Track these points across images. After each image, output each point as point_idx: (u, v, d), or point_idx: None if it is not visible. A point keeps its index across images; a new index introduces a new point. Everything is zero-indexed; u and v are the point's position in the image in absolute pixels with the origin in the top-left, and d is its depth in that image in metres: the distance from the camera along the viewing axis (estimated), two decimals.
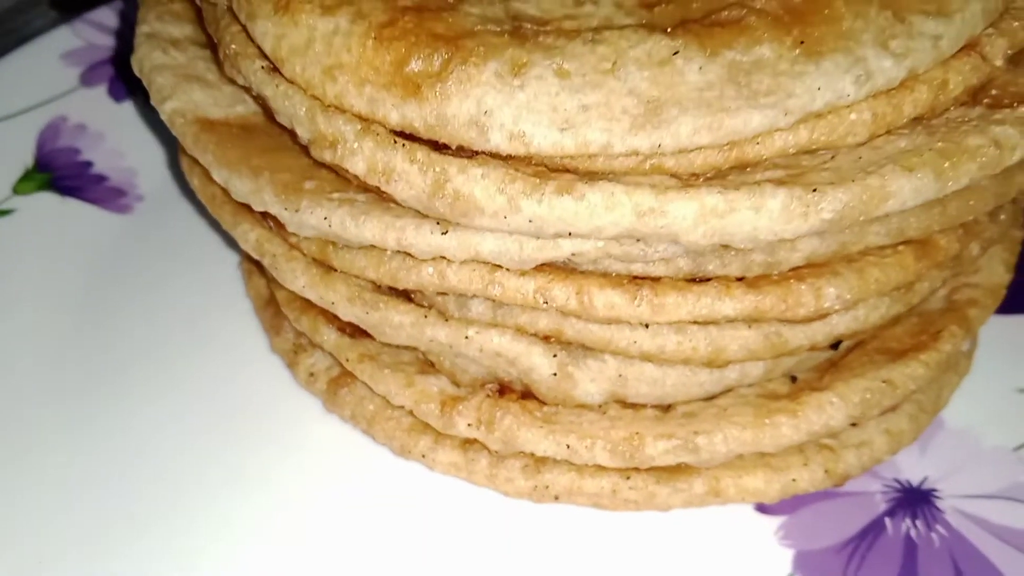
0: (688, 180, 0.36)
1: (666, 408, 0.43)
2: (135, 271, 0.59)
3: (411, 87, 0.35)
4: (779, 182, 0.34)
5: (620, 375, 0.42)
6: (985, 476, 0.48)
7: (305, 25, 0.37)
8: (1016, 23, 0.40)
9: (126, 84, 0.71)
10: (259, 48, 0.39)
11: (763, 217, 0.33)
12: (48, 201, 0.62)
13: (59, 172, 0.64)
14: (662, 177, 0.36)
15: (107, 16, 0.75)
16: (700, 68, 0.35)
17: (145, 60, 0.47)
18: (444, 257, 0.38)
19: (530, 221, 0.34)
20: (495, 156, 0.35)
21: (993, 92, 0.39)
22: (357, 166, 0.36)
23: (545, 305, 0.38)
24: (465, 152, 0.35)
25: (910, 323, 0.46)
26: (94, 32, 0.74)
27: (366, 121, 0.36)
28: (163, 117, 0.45)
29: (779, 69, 0.35)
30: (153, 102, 0.46)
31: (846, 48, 0.36)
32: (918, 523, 0.46)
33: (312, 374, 0.49)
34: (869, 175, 0.34)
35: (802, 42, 0.36)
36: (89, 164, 0.66)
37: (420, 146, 0.35)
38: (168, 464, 0.49)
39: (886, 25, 0.37)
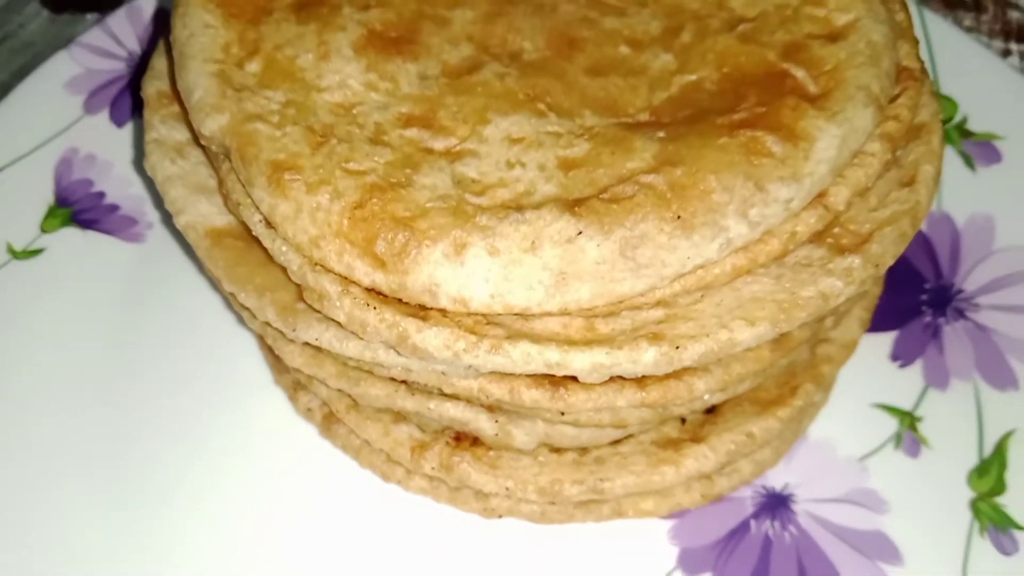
0: (590, 319, 0.47)
1: (583, 451, 0.56)
2: (150, 303, 0.69)
3: (378, 262, 0.45)
4: (652, 336, 0.46)
5: (547, 432, 0.55)
6: (834, 482, 0.62)
7: (293, 200, 0.47)
8: (860, 171, 0.50)
9: (125, 108, 0.79)
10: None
11: (639, 366, 0.45)
12: (72, 236, 0.72)
13: (78, 205, 0.74)
14: (570, 319, 0.47)
15: (99, 37, 0.81)
16: (598, 245, 0.45)
17: (158, 169, 0.56)
18: None
19: (470, 366, 0.46)
20: (444, 312, 0.46)
21: (836, 230, 0.50)
22: (339, 317, 0.47)
23: (486, 398, 0.51)
24: (422, 308, 0.47)
25: (778, 374, 0.59)
26: (90, 56, 0.80)
27: (345, 281, 0.47)
28: (177, 226, 0.55)
29: (659, 242, 0.46)
30: (168, 209, 0.56)
31: (713, 221, 0.46)
32: (775, 524, 0.60)
33: (309, 409, 0.62)
34: (721, 328, 0.46)
35: (679, 216, 0.46)
36: (102, 195, 0.75)
37: (387, 307, 0.46)
38: (173, 478, 0.61)
39: (748, 195, 0.47)
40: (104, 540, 0.59)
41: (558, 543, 0.59)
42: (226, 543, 0.59)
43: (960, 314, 0.70)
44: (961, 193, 0.77)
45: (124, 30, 0.82)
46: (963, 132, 0.80)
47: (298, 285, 0.49)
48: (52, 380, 0.65)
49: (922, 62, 0.56)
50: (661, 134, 0.49)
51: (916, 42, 0.57)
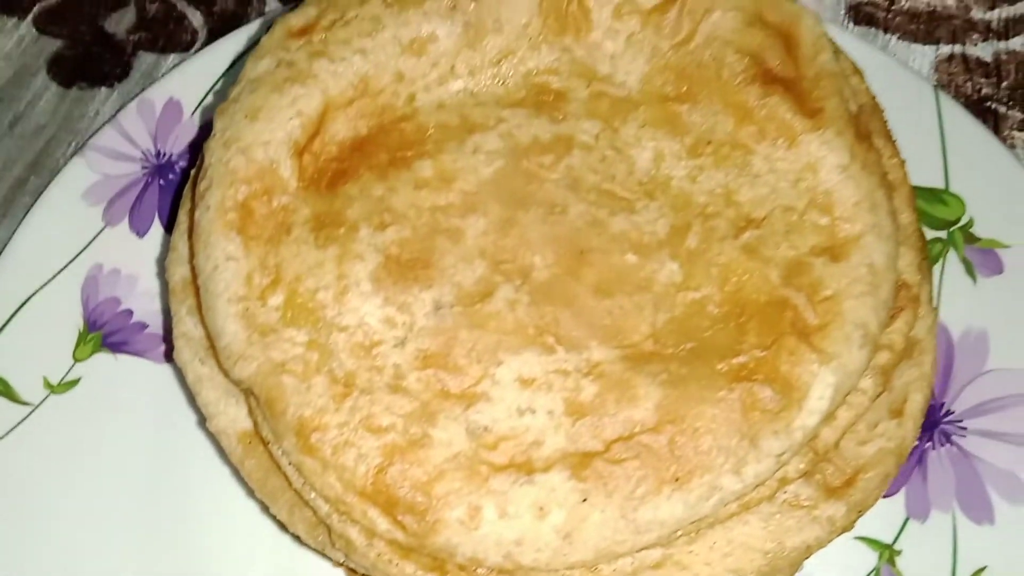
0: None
1: None
2: (183, 429, 0.71)
3: (399, 525, 0.50)
4: None
5: None
6: None
7: (320, 459, 0.50)
8: (851, 412, 0.53)
9: (145, 217, 0.80)
10: None
11: None
12: (104, 362, 0.75)
13: (107, 327, 0.76)
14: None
15: (112, 139, 0.82)
16: (602, 511, 0.49)
17: (188, 369, 0.60)
18: None
19: None
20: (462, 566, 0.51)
21: (823, 466, 0.54)
22: (364, 565, 0.52)
23: None
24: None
25: None
26: (104, 160, 0.81)
27: (369, 531, 0.51)
28: (210, 429, 0.59)
29: (657, 504, 0.50)
30: (200, 409, 0.60)
31: (709, 482, 0.50)
32: None
33: None
34: None
35: (677, 478, 0.50)
36: (130, 313, 0.77)
37: (409, 561, 0.51)
38: None
39: (743, 454, 0.50)
40: None
41: None
42: None
43: (946, 438, 0.74)
44: (960, 304, 0.78)
45: (136, 128, 0.82)
46: (968, 236, 0.81)
47: (327, 524, 0.53)
48: (97, 518, 0.68)
49: (923, 273, 0.58)
50: (664, 375, 0.52)
51: (920, 248, 0.58)
